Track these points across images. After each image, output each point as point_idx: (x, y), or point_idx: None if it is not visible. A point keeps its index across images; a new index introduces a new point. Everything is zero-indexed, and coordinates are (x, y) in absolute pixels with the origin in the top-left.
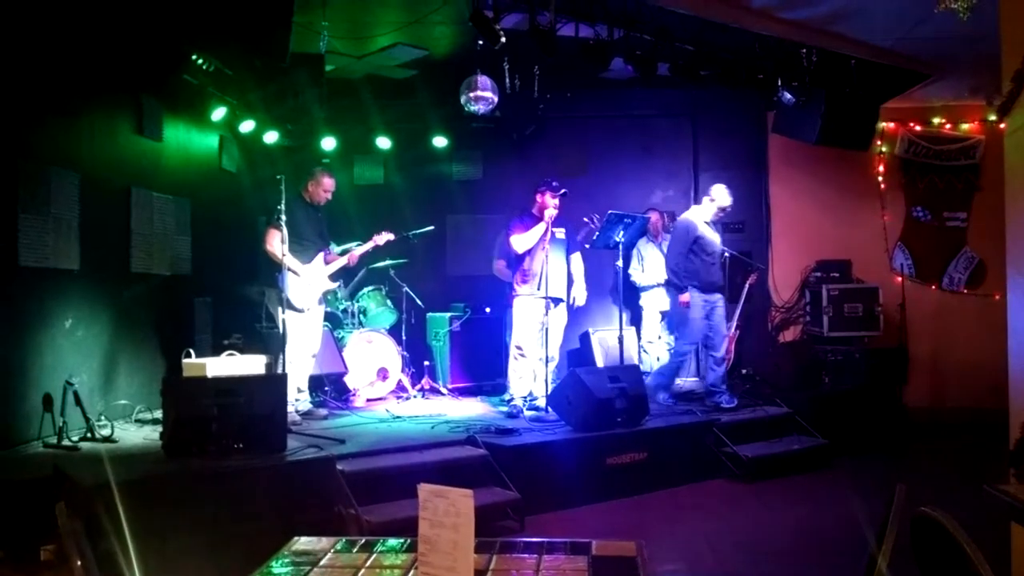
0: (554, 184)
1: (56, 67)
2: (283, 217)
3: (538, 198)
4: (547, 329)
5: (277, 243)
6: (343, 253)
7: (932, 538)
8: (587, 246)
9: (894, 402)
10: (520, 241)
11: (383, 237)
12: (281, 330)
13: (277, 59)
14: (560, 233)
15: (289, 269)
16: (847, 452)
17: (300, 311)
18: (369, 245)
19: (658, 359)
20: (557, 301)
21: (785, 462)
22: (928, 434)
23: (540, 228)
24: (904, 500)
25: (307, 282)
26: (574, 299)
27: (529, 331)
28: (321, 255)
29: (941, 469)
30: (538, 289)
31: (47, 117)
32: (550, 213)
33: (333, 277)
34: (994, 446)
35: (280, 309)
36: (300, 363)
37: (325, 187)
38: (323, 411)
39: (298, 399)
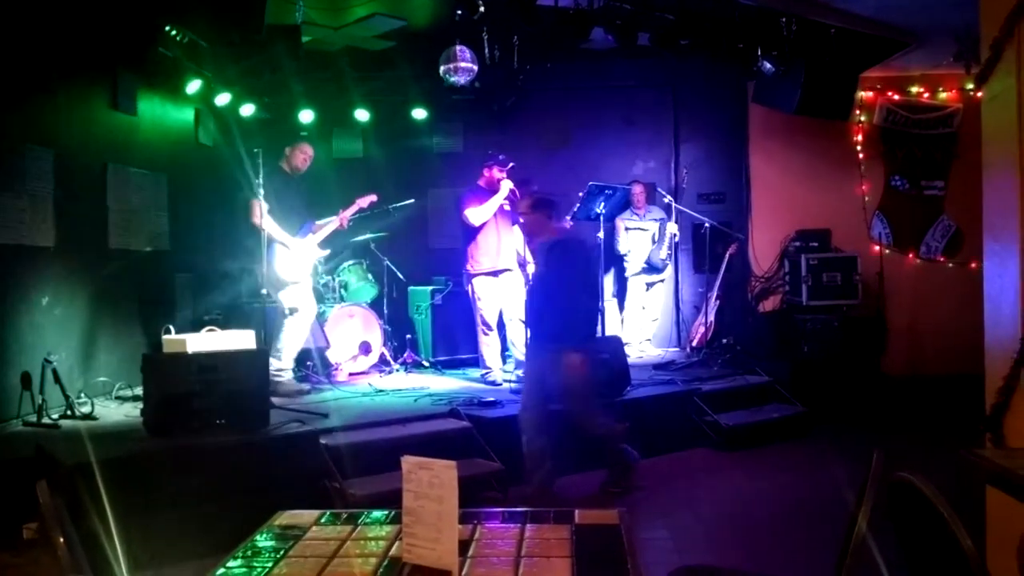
0: (501, 158)
1: (28, 42)
2: (261, 190)
3: (486, 172)
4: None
5: (263, 216)
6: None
7: (910, 502)
8: (568, 218)
9: (872, 370)
10: (476, 214)
11: (367, 199)
12: (279, 305)
13: (252, 30)
14: (506, 205)
15: (280, 242)
16: (826, 420)
17: (295, 283)
18: (354, 208)
19: (640, 330)
20: (508, 271)
21: (765, 430)
22: (906, 401)
23: (498, 199)
24: (882, 466)
25: (298, 253)
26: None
27: (493, 307)
28: (307, 225)
29: (919, 435)
30: (497, 262)
31: (19, 93)
32: (508, 184)
33: (323, 244)
34: (971, 412)
35: (275, 284)
36: (302, 334)
37: (304, 151)
38: (306, 386)
39: (287, 369)
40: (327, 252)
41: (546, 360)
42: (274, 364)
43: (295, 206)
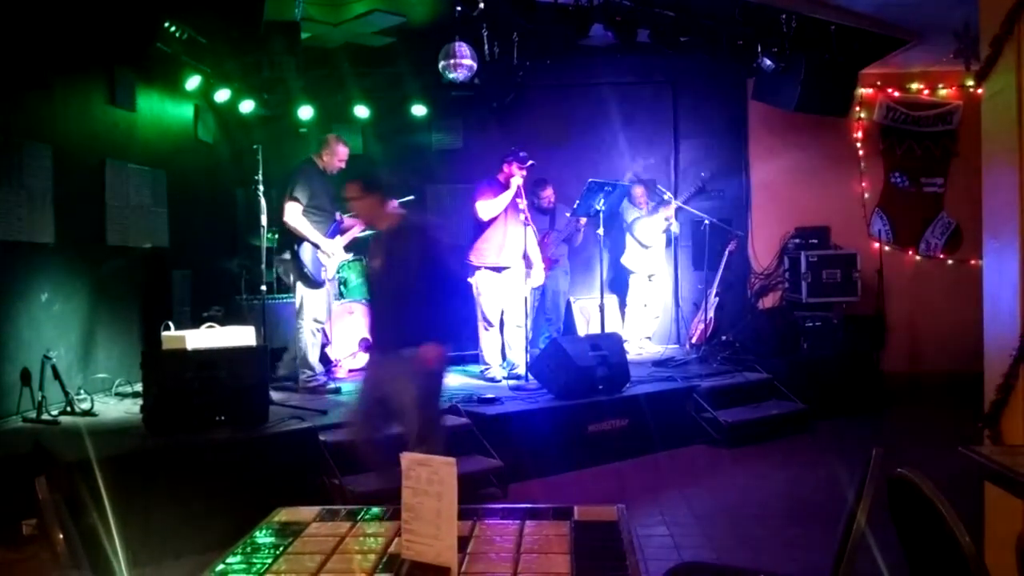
0: (521, 155)
1: (25, 37)
2: (261, 188)
3: (505, 168)
4: (526, 299)
5: (297, 216)
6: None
7: (909, 499)
8: (568, 214)
9: (871, 367)
10: (486, 208)
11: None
12: (301, 304)
13: (251, 26)
14: (522, 204)
15: (312, 243)
16: (825, 416)
17: (321, 284)
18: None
19: (641, 327)
20: (519, 269)
21: (764, 427)
22: (905, 398)
23: (507, 195)
24: (881, 463)
25: (327, 255)
26: (531, 278)
27: (494, 302)
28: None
29: (918, 432)
30: (504, 259)
31: (17, 88)
32: (516, 181)
33: (348, 248)
34: (969, 409)
35: (299, 283)
36: (318, 336)
37: (340, 156)
38: (332, 384)
39: (316, 373)
40: (351, 256)
41: (395, 367)
42: (307, 374)
43: (325, 206)
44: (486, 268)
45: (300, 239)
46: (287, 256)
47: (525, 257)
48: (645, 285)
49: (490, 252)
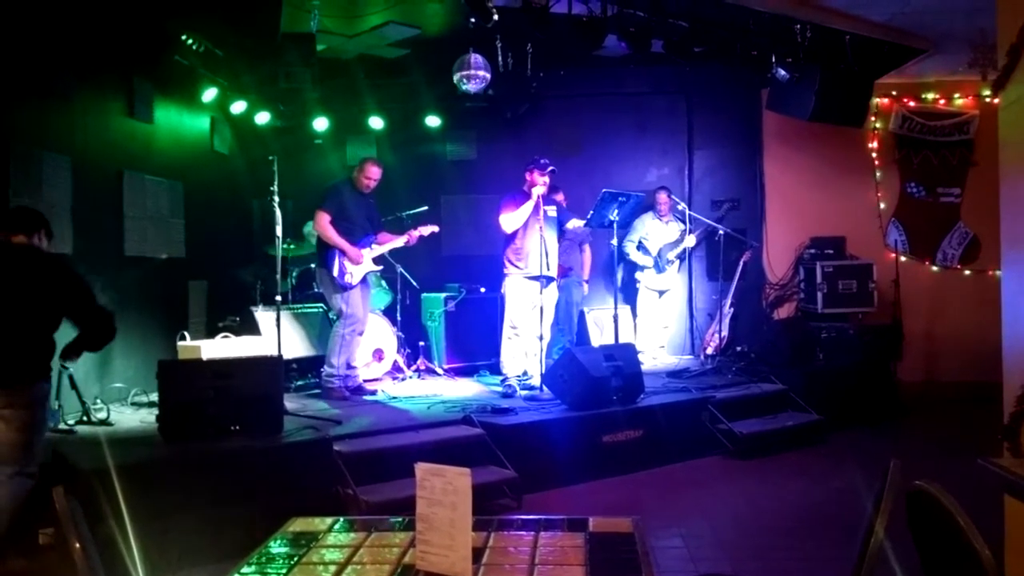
0: (542, 162)
1: (45, 50)
2: (276, 198)
3: (527, 176)
4: (542, 308)
5: (325, 224)
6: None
7: (927, 512)
8: (583, 224)
9: (888, 377)
10: (508, 220)
11: (428, 228)
12: (335, 310)
13: (267, 39)
14: (551, 211)
15: (339, 250)
16: (842, 428)
17: (346, 287)
18: (415, 235)
19: (654, 337)
20: (549, 280)
21: (780, 438)
22: (922, 409)
23: (528, 206)
24: (899, 475)
25: (352, 262)
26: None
27: (523, 310)
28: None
29: (935, 443)
30: (532, 268)
31: (37, 100)
32: (538, 191)
33: (377, 260)
34: (988, 420)
35: (331, 288)
36: (350, 339)
37: (368, 175)
38: (347, 393)
39: (337, 374)
40: (381, 268)
41: None
42: (327, 371)
43: (355, 219)
44: (514, 277)
45: (329, 247)
46: (318, 264)
47: (563, 272)
48: (655, 299)
49: (520, 262)
